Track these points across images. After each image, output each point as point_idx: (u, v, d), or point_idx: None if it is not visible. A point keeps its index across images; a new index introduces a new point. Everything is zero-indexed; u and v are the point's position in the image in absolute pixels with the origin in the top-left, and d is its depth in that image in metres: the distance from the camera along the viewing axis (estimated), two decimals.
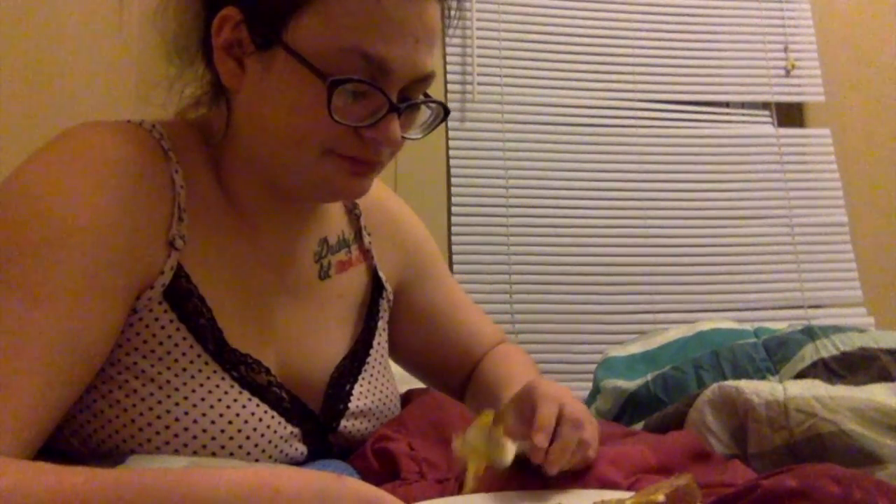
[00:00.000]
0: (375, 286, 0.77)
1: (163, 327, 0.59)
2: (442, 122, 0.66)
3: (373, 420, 0.72)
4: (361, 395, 0.71)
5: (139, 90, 0.67)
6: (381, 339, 0.77)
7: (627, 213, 1.71)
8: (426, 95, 0.65)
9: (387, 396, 0.74)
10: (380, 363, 0.76)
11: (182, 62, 0.66)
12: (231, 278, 0.65)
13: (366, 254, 0.78)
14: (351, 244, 0.76)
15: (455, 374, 0.84)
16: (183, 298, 0.60)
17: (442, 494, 0.58)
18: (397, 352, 0.83)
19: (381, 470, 0.62)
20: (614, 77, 1.76)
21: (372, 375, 0.74)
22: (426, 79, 0.63)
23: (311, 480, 0.47)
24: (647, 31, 1.79)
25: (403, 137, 0.62)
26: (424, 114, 0.66)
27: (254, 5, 0.60)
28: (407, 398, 0.79)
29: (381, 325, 0.78)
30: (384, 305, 0.78)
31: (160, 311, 0.59)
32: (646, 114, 1.77)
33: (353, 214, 0.78)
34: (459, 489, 0.56)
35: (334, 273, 0.73)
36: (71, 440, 0.59)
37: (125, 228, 0.57)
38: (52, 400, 0.52)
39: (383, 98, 0.59)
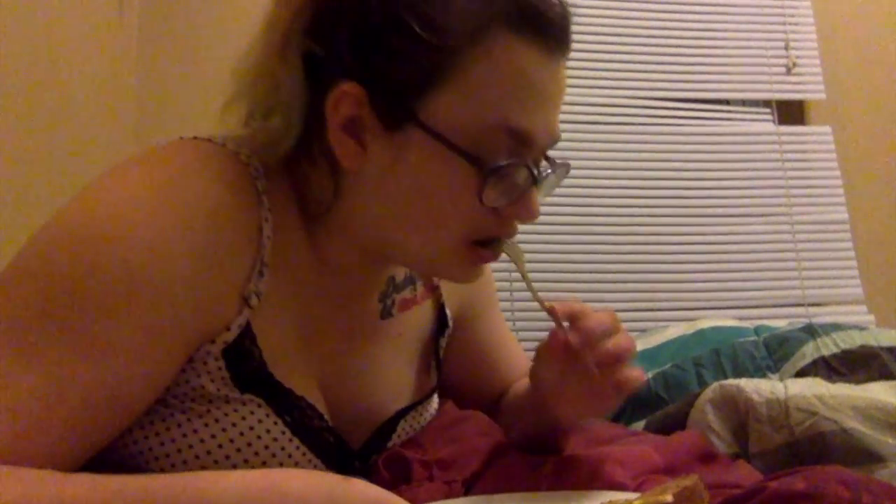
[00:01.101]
0: (439, 322, 0.74)
1: (213, 381, 0.55)
2: (565, 176, 0.63)
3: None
4: (404, 432, 0.69)
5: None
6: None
7: (627, 210, 1.70)
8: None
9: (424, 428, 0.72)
10: (430, 399, 0.73)
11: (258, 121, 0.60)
12: (296, 322, 0.60)
13: (433, 290, 0.74)
14: (417, 280, 0.72)
15: (486, 402, 0.81)
16: (242, 359, 0.56)
17: (448, 496, 0.58)
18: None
19: (392, 477, 0.62)
20: (614, 75, 1.75)
21: (420, 413, 0.71)
22: (556, 142, 0.60)
23: (319, 482, 0.47)
24: (648, 29, 1.78)
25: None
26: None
27: (381, 81, 0.54)
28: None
29: (437, 363, 0.75)
30: (443, 343, 0.75)
31: (215, 366, 0.55)
32: (646, 111, 1.76)
33: None
34: (466, 491, 0.56)
35: (396, 311, 0.68)
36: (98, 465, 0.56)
37: (200, 285, 0.52)
38: (81, 446, 0.50)
39: (526, 173, 0.56)
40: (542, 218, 1.87)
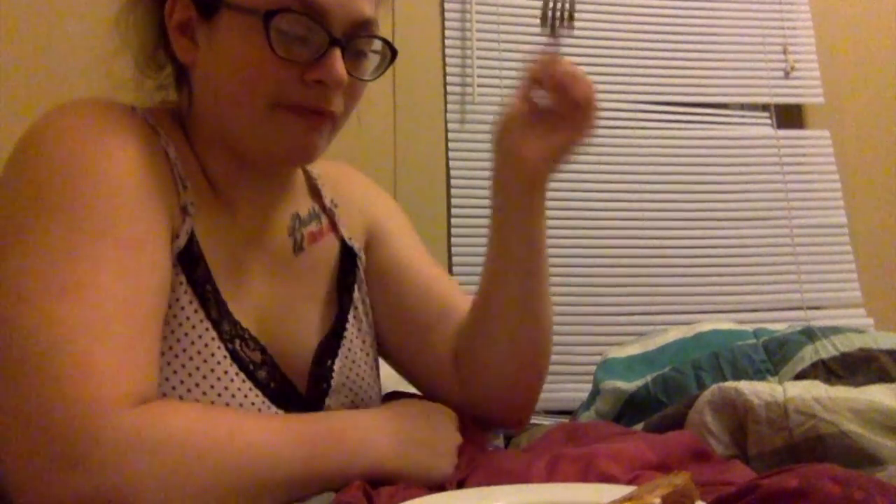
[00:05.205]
0: (345, 256, 0.77)
1: (172, 290, 0.60)
2: (391, 62, 0.68)
3: (350, 395, 0.72)
4: (341, 370, 0.72)
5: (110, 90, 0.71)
6: (356, 313, 0.76)
7: (626, 214, 1.71)
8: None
9: (364, 371, 0.74)
10: (357, 337, 0.75)
11: (150, 66, 0.70)
12: (219, 254, 0.65)
13: (334, 226, 0.78)
14: (321, 215, 0.77)
15: (439, 333, 0.78)
16: (193, 263, 0.61)
17: (443, 490, 0.58)
18: (377, 323, 0.80)
19: None
20: (613, 78, 1.76)
21: (350, 350, 0.74)
22: (365, 24, 0.64)
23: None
24: (646, 32, 1.79)
25: (356, 77, 0.64)
26: (373, 60, 0.67)
27: None
28: (392, 398, 0.77)
29: (358, 295, 0.77)
30: (358, 274, 0.78)
31: (173, 273, 0.60)
32: (644, 115, 1.76)
33: (315, 190, 0.79)
34: (458, 485, 0.56)
35: (307, 245, 0.73)
36: None
37: (155, 183, 0.59)
38: (153, 357, 0.54)
39: (323, 36, 0.61)
40: None
